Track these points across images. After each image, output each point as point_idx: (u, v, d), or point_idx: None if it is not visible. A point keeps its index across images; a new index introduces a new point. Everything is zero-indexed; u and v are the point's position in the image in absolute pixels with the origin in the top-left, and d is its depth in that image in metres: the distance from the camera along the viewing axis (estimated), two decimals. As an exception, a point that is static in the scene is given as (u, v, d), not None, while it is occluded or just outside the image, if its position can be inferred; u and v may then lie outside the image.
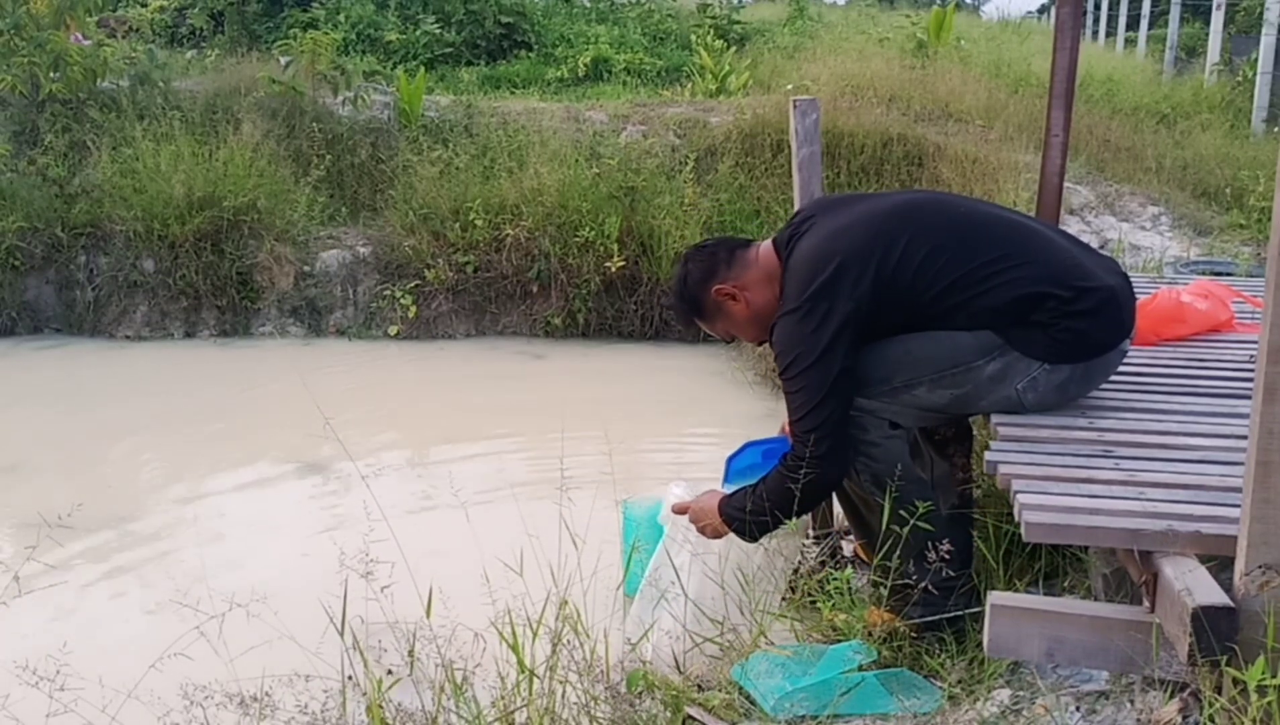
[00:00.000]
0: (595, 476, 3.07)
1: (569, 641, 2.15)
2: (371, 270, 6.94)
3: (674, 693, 2.21)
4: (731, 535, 2.59)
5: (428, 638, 2.12)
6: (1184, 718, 1.81)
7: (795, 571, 2.75)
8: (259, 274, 6.79)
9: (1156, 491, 1.98)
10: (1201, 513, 1.86)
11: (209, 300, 6.77)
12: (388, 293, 6.81)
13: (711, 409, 5.47)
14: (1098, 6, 16.79)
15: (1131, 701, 1.98)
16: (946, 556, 2.20)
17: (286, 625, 2.28)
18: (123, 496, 4.22)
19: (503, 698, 2.10)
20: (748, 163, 7.36)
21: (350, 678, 2.07)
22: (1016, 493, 1.99)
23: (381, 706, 1.99)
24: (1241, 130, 8.81)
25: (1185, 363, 2.91)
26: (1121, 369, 2.59)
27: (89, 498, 3.75)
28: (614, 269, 6.61)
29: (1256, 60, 9.64)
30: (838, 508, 2.97)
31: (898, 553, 2.26)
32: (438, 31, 10.85)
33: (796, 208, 3.03)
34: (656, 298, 6.68)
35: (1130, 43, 15.33)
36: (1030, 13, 22.34)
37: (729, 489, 2.65)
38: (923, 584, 2.25)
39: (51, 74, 7.17)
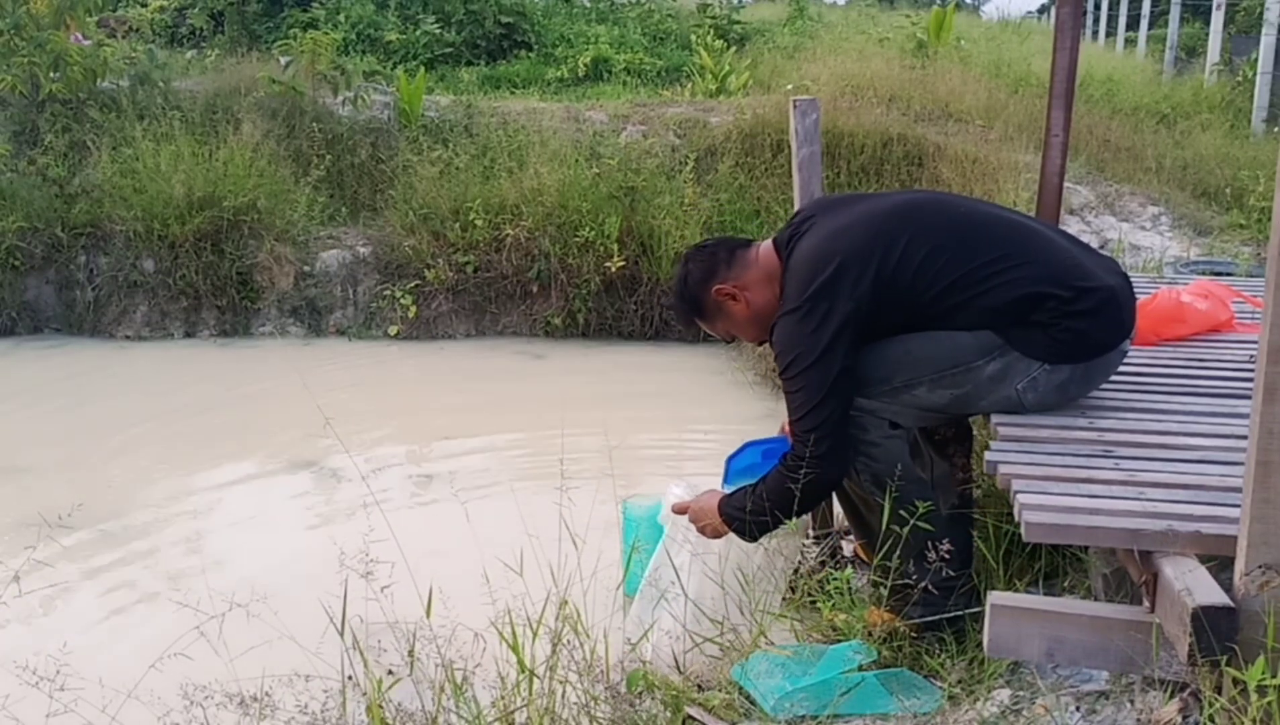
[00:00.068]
0: (595, 476, 3.07)
1: (569, 641, 2.15)
2: (371, 270, 6.95)
3: (674, 693, 2.21)
4: (731, 535, 2.58)
5: (428, 638, 2.11)
6: (1184, 718, 1.81)
7: (795, 571, 2.75)
8: (259, 274, 6.79)
9: (1156, 491, 1.98)
10: (1201, 513, 1.86)
11: (209, 300, 6.78)
12: (388, 293, 6.81)
13: (711, 409, 5.47)
14: (1098, 6, 16.79)
15: (1131, 701, 1.98)
16: (946, 556, 2.20)
17: (286, 625, 2.28)
18: (123, 496, 4.22)
19: (503, 698, 2.10)
20: (748, 163, 7.36)
21: (350, 678, 2.07)
22: (1016, 493, 1.99)
23: (381, 706, 1.99)
24: (1241, 130, 8.81)
25: (1185, 363, 2.90)
26: (1121, 369, 2.59)
27: (89, 498, 3.75)
28: (614, 269, 6.61)
29: (1256, 60, 9.64)
30: (838, 508, 2.97)
31: (898, 553, 2.26)
32: (438, 31, 10.85)
33: (796, 208, 3.03)
34: (656, 298, 6.68)
35: (1130, 43, 15.33)
36: (1030, 13, 22.34)
37: (729, 489, 2.65)
38: (923, 584, 2.25)
39: (51, 74, 7.17)
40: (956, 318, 2.35)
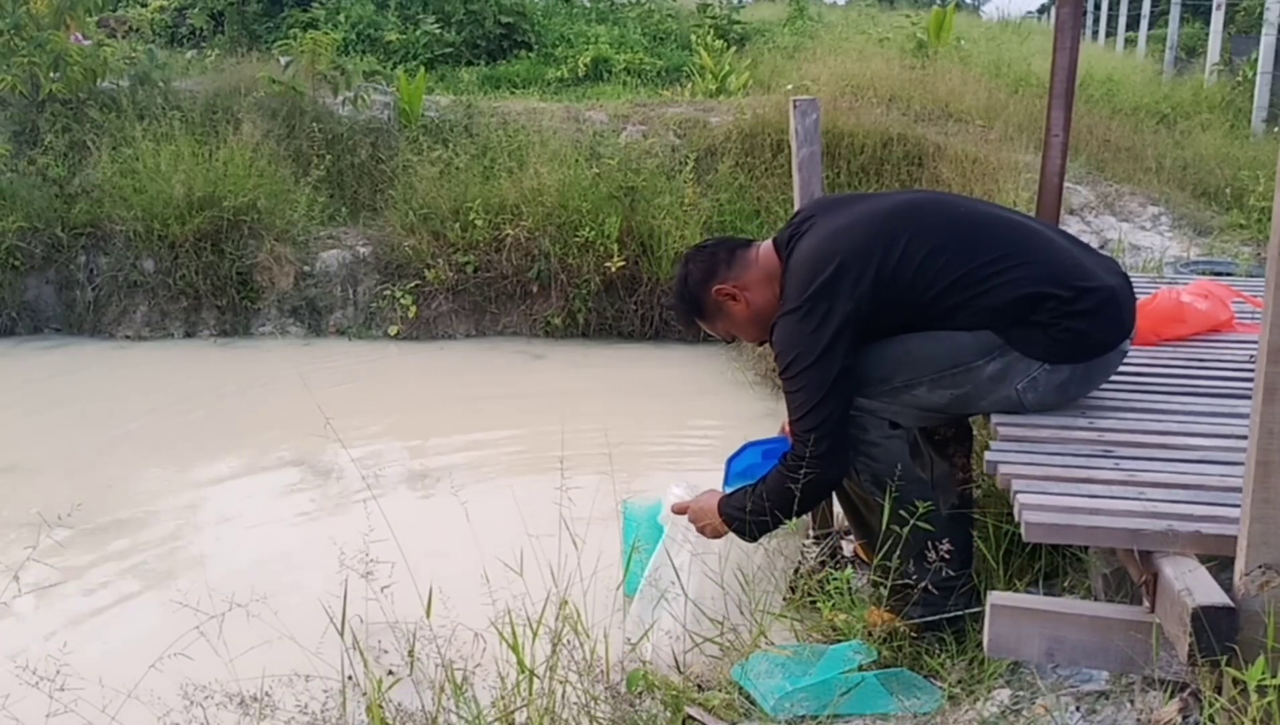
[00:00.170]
0: (595, 476, 3.07)
1: (569, 641, 2.15)
2: (371, 270, 6.94)
3: (674, 693, 2.21)
4: (731, 535, 2.59)
5: (428, 638, 2.12)
6: (1184, 718, 1.81)
7: (795, 571, 2.75)
8: (259, 274, 6.79)
9: (1156, 491, 1.98)
10: (1201, 513, 1.86)
11: (209, 300, 6.77)
12: (388, 293, 6.81)
13: (711, 409, 5.47)
14: (1098, 6, 16.79)
15: (1131, 701, 1.98)
16: (946, 556, 2.20)
17: (286, 625, 2.28)
18: (123, 496, 4.22)
19: (503, 698, 2.10)
20: (748, 163, 7.36)
21: (350, 678, 2.07)
22: (1016, 493, 1.99)
23: (381, 706, 1.99)
24: (1241, 130, 8.81)
25: (1185, 363, 2.91)
26: (1121, 369, 2.59)
27: (89, 498, 3.76)
28: (614, 269, 6.61)
29: (1256, 60, 9.64)
30: (838, 508, 2.97)
31: (898, 553, 2.26)
32: (438, 31, 10.85)
33: (796, 208, 3.03)
34: (656, 298, 6.68)
35: (1130, 43, 15.33)
36: (1030, 13, 22.34)
37: (729, 491, 2.65)
38: (923, 584, 2.25)
39: (51, 74, 7.17)
40: (956, 318, 2.35)
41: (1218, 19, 10.91)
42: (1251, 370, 1.76)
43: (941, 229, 2.41)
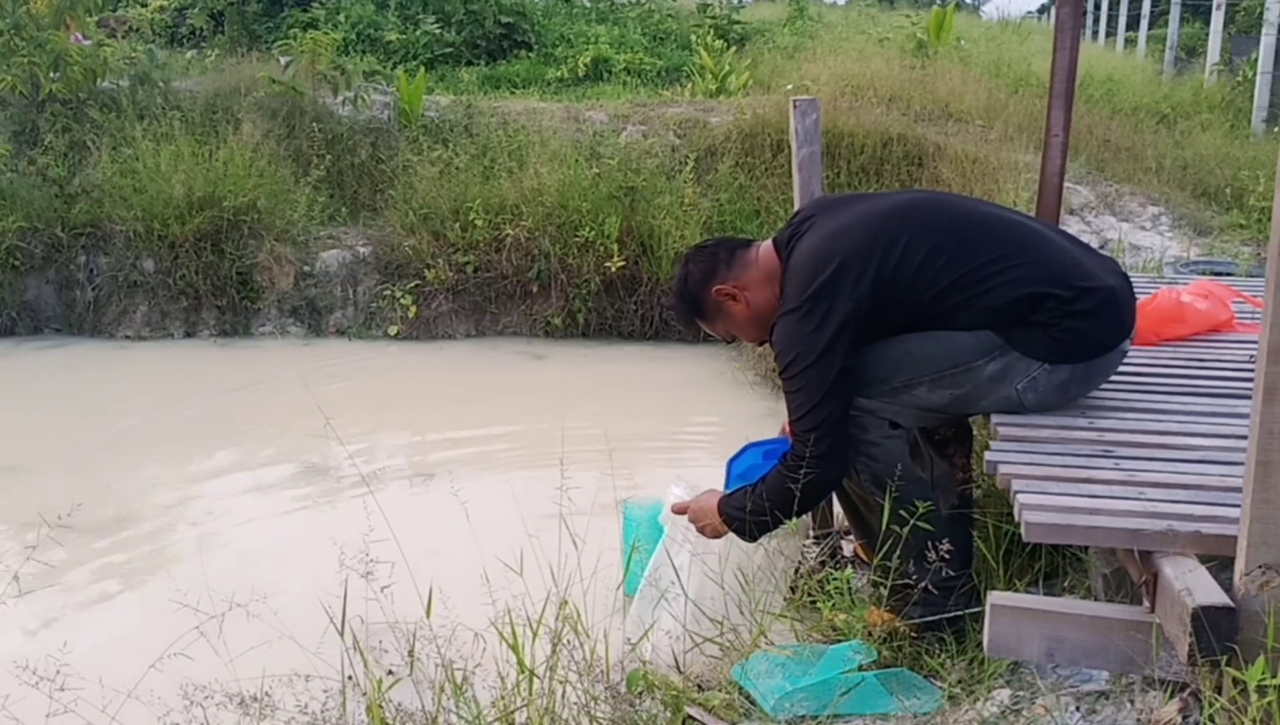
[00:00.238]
0: (595, 476, 3.07)
1: (569, 641, 2.15)
2: (371, 270, 6.95)
3: (674, 693, 2.21)
4: (731, 535, 2.58)
5: (428, 638, 2.12)
6: (1184, 718, 1.81)
7: (796, 571, 2.75)
8: (259, 274, 6.79)
9: (1156, 491, 1.98)
10: (1201, 513, 1.86)
11: (209, 300, 6.77)
12: (388, 293, 6.81)
13: (711, 409, 5.47)
14: (1098, 6, 16.79)
15: (1131, 701, 1.98)
16: (946, 556, 2.20)
17: (286, 625, 2.28)
18: (123, 496, 4.22)
19: (503, 698, 2.10)
20: (748, 163, 7.36)
21: (350, 678, 2.07)
22: (1016, 493, 1.99)
23: (381, 706, 1.99)
24: (1241, 130, 8.81)
25: (1185, 363, 2.90)
26: (1121, 369, 2.59)
27: (89, 498, 3.75)
28: (614, 269, 6.61)
29: (1256, 60, 9.64)
30: (838, 508, 2.97)
31: (898, 553, 2.26)
32: (438, 31, 10.85)
33: (796, 208, 3.03)
34: (656, 298, 6.68)
35: (1130, 43, 15.33)
36: (1030, 13, 22.34)
37: (729, 491, 2.65)
38: (923, 584, 2.25)
39: (51, 74, 7.17)
40: (956, 318, 2.35)
41: (1218, 19, 10.91)
42: (1251, 370, 1.76)
43: (941, 229, 2.41)
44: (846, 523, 2.97)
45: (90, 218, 6.75)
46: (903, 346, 2.39)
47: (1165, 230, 6.78)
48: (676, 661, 2.42)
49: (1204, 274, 5.07)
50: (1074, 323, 2.33)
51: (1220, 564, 1.78)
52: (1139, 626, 1.79)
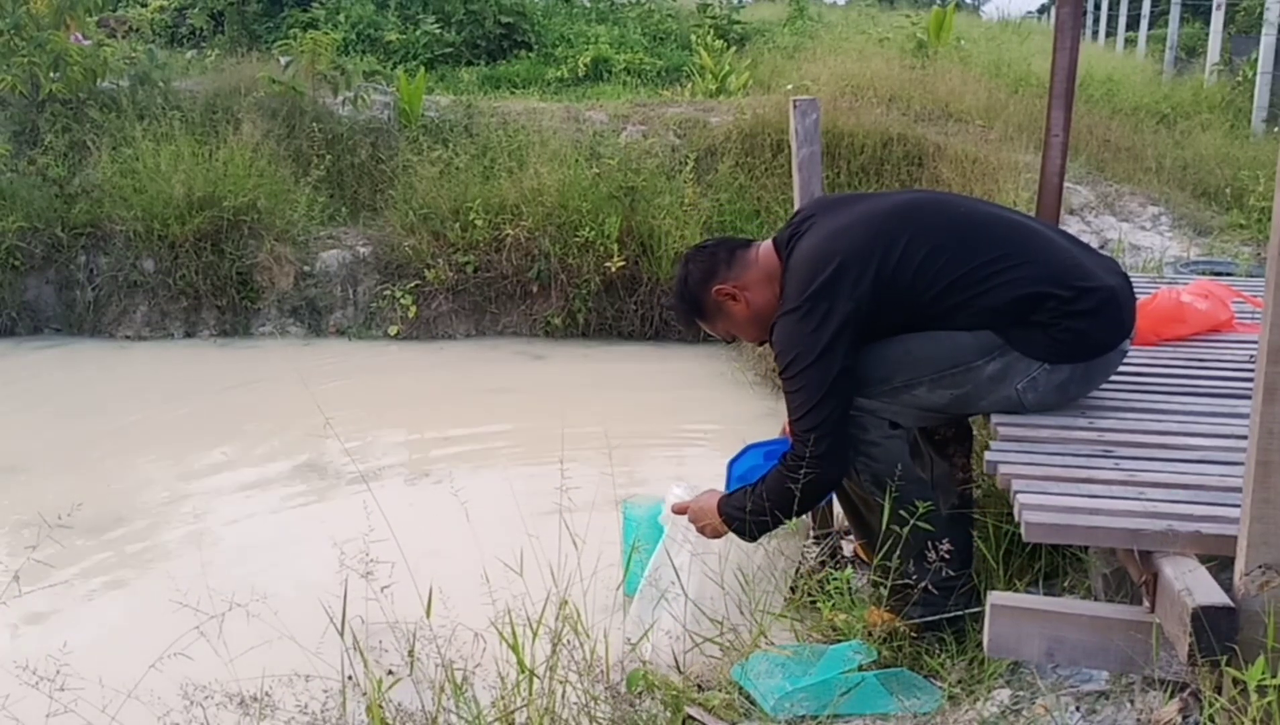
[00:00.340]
0: (595, 476, 3.07)
1: (569, 641, 2.15)
2: (371, 270, 6.95)
3: (674, 693, 2.21)
4: (731, 535, 2.58)
5: (428, 638, 2.11)
6: (1184, 718, 1.81)
7: (796, 572, 2.75)
8: (259, 274, 6.79)
9: (1156, 491, 1.98)
10: (1201, 513, 1.86)
11: (209, 300, 6.78)
12: (388, 293, 6.81)
13: (711, 409, 5.47)
14: (1098, 6, 16.79)
15: (1131, 701, 1.98)
16: (946, 556, 2.20)
17: (286, 625, 2.27)
18: (122, 496, 4.22)
19: (503, 698, 2.09)
20: (748, 163, 7.36)
21: (350, 678, 2.07)
22: (1016, 493, 1.99)
23: (381, 706, 1.99)
24: (1241, 130, 8.81)
25: (1185, 363, 2.90)
26: (1121, 369, 2.59)
27: (89, 498, 3.75)
28: (614, 269, 6.61)
29: (1256, 60, 9.64)
30: (838, 508, 2.97)
31: (898, 553, 2.26)
32: (438, 31, 10.85)
33: (796, 208, 3.03)
34: (656, 298, 6.68)
35: (1130, 43, 15.33)
36: (1030, 13, 22.34)
37: (729, 491, 2.65)
38: (923, 584, 2.25)
39: (51, 74, 7.17)
40: (956, 318, 2.35)
41: (1218, 19, 10.91)
42: (1251, 370, 1.76)
43: (941, 229, 2.41)
44: (846, 523, 2.97)
45: (90, 218, 6.75)
46: (903, 346, 2.39)
47: (1165, 230, 6.78)
48: (676, 661, 2.42)
49: (1204, 274, 5.07)
50: (1074, 323, 2.33)
51: (1220, 564, 1.78)
52: (1139, 626, 1.79)
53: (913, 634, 2.40)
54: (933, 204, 2.61)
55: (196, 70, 8.68)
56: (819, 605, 2.46)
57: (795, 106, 3.25)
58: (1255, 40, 10.32)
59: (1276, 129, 8.99)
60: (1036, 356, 2.35)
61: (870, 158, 7.34)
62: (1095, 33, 16.48)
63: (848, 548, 3.03)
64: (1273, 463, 1.58)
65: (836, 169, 7.19)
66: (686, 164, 7.22)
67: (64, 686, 1.89)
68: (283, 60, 7.89)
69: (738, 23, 11.89)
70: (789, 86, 8.42)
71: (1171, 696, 1.88)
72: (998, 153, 7.29)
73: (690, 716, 2.16)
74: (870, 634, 2.31)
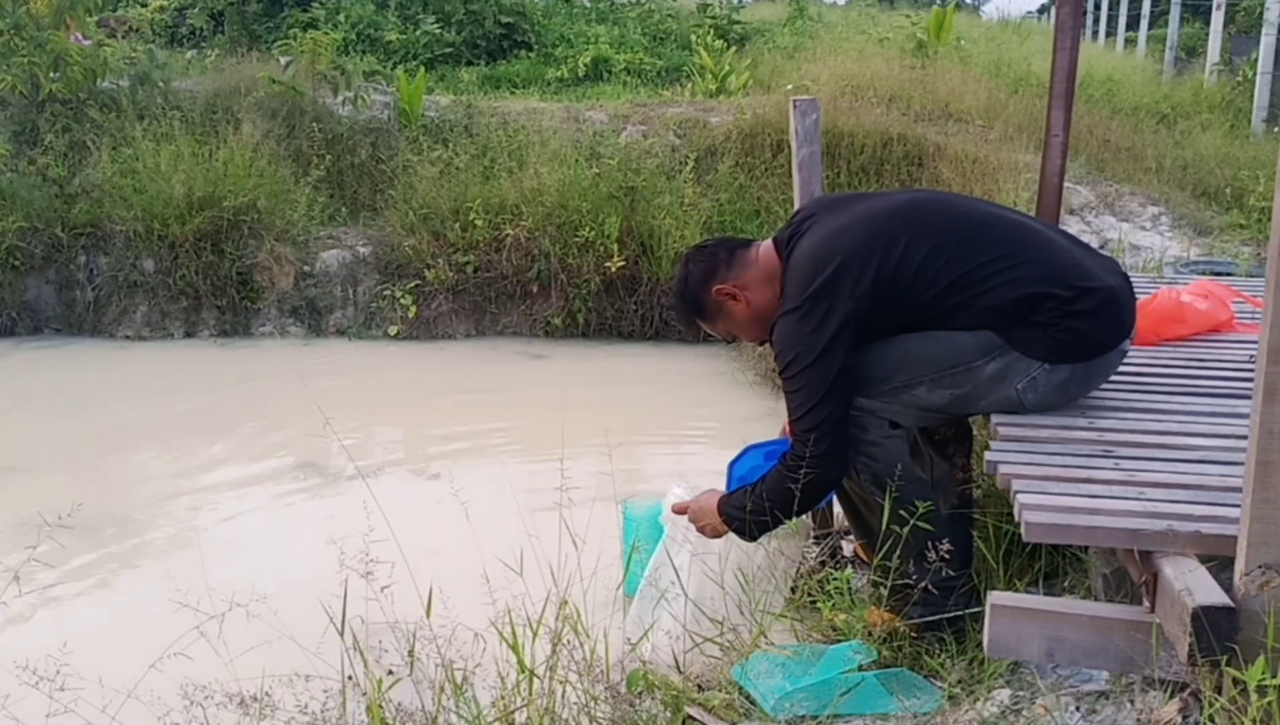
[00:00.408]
0: (595, 476, 3.07)
1: (569, 641, 2.15)
2: (371, 270, 6.95)
3: (674, 693, 2.21)
4: (731, 535, 2.58)
5: (428, 638, 2.11)
6: (1184, 718, 1.81)
7: (797, 572, 2.75)
8: (259, 274, 6.79)
9: (1156, 491, 1.98)
10: (1201, 513, 1.86)
11: (209, 300, 6.77)
12: (388, 293, 6.81)
13: (711, 409, 5.47)
14: (1098, 6, 16.79)
15: (1131, 701, 1.98)
16: (946, 556, 2.20)
17: (286, 625, 2.27)
18: (123, 496, 4.22)
19: (503, 698, 2.10)
20: (748, 163, 7.36)
21: (350, 678, 2.07)
22: (1016, 493, 1.99)
23: (381, 706, 1.99)
24: (1241, 130, 8.80)
25: (1185, 363, 2.91)
26: (1121, 369, 2.59)
27: (89, 498, 3.75)
28: (614, 269, 6.61)
29: (1256, 60, 9.64)
30: (838, 508, 2.97)
31: (898, 553, 2.26)
32: (438, 31, 10.85)
33: (796, 207, 3.03)
34: (656, 298, 6.68)
35: (1130, 43, 15.33)
36: (1030, 13, 22.34)
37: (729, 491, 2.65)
38: (923, 584, 2.25)
39: (51, 74, 7.17)
40: (956, 317, 2.35)
41: (1218, 19, 10.91)
42: (1251, 370, 1.76)
43: (942, 229, 2.41)
44: (846, 523, 2.97)
45: (90, 218, 6.75)
46: (903, 346, 2.39)
47: (1165, 230, 6.78)
48: (676, 661, 2.42)
49: (1204, 274, 5.07)
50: (1074, 323, 2.33)
51: (1220, 564, 1.78)
52: (1139, 626, 1.79)
53: (913, 634, 2.40)
54: (933, 204, 2.61)
55: (196, 70, 8.68)
56: (819, 605, 2.46)
57: (795, 106, 3.25)
58: (1255, 40, 10.32)
59: (1276, 129, 8.99)
60: (1036, 356, 2.35)
61: (870, 158, 7.34)
62: (1095, 33, 16.48)
63: (848, 548, 3.03)
64: (1273, 463, 1.58)
65: (836, 169, 7.19)
66: (686, 164, 7.22)
67: (64, 686, 1.89)
68: (283, 60, 7.89)
69: (738, 23, 11.89)
70: (789, 86, 8.42)
71: (1171, 696, 1.88)
72: (998, 153, 7.29)
73: (690, 716, 2.16)
74: (870, 634, 2.32)
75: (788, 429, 2.48)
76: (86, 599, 3.36)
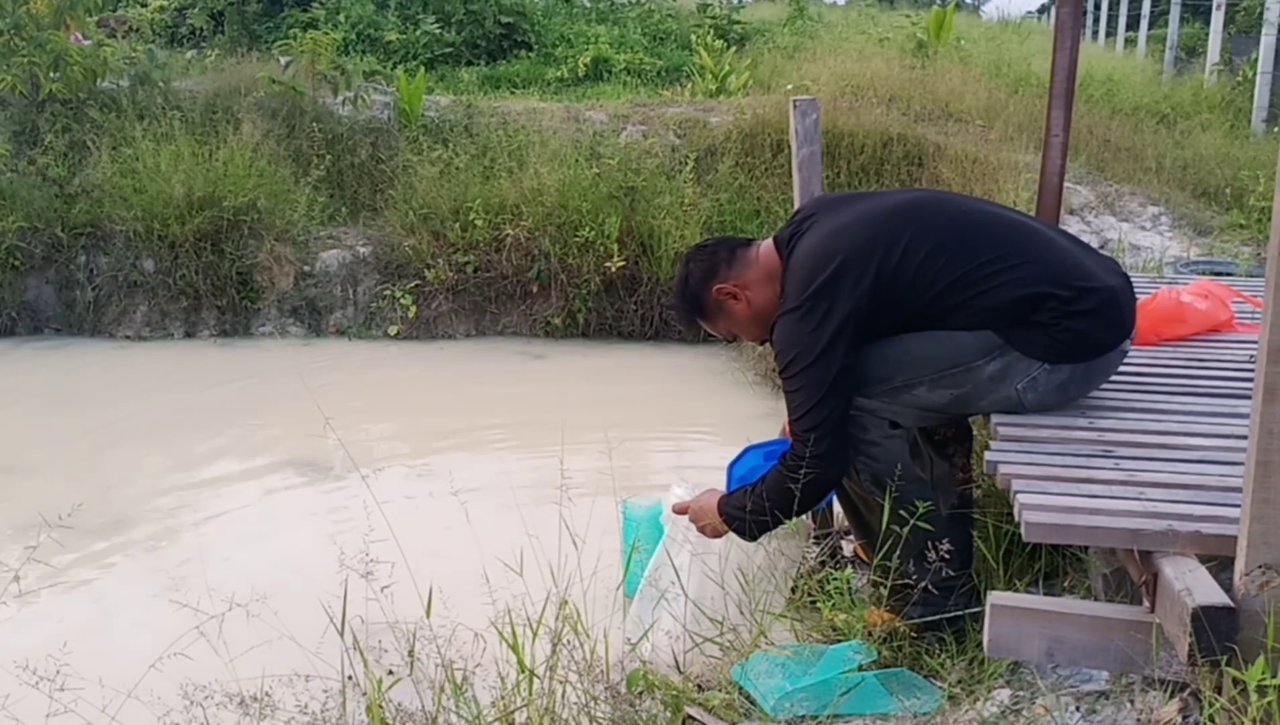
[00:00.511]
0: (595, 476, 3.07)
1: (569, 641, 2.15)
2: (371, 270, 6.95)
3: (674, 693, 2.21)
4: (731, 535, 2.58)
5: (428, 638, 2.12)
6: (1184, 718, 1.81)
7: (797, 572, 2.75)
8: (259, 274, 6.79)
9: (1156, 491, 1.98)
10: (1201, 513, 1.86)
11: (209, 300, 6.77)
12: (388, 293, 6.81)
13: (711, 409, 5.47)
14: (1098, 6, 16.79)
15: (1131, 701, 1.98)
16: (946, 556, 2.20)
17: (286, 625, 2.27)
18: (123, 496, 4.22)
19: (503, 698, 2.10)
20: (748, 163, 7.36)
21: (350, 678, 2.07)
22: (1016, 493, 1.99)
23: (381, 706, 1.99)
24: (1241, 130, 8.81)
25: (1185, 363, 2.91)
26: (1121, 369, 2.59)
27: (89, 498, 3.75)
28: (614, 269, 6.61)
29: (1256, 60, 9.64)
30: (838, 508, 2.97)
31: (898, 553, 2.26)
32: (438, 31, 10.85)
33: (796, 207, 3.03)
34: (656, 298, 6.68)
35: (1130, 43, 15.33)
36: (1030, 13, 22.35)
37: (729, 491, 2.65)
38: (923, 584, 2.25)
39: (51, 74, 7.17)
40: (957, 317, 2.35)
41: (1218, 19, 10.91)
42: (1251, 370, 1.76)
43: (942, 228, 2.41)
44: (846, 523, 2.97)
45: (90, 218, 6.74)
46: (903, 346, 2.39)
47: (1165, 230, 6.78)
48: (676, 661, 2.42)
49: (1204, 274, 5.07)
50: (1074, 323, 2.33)
51: (1220, 564, 1.78)
52: (1139, 626, 1.79)
53: (913, 634, 2.40)
54: (933, 203, 2.61)
55: (196, 70, 8.68)
56: (819, 605, 2.46)
57: (795, 106, 3.25)
58: (1255, 40, 10.32)
59: (1276, 129, 8.99)
60: (1036, 356, 2.35)
61: (870, 158, 7.33)
62: (1095, 33, 16.48)
63: (848, 548, 3.03)
64: (1273, 463, 1.58)
65: (836, 169, 7.19)
66: (686, 164, 7.22)
67: (64, 686, 1.89)
68: (283, 60, 7.89)
69: (738, 23, 11.90)
70: (789, 86, 8.42)
71: (1171, 696, 1.88)
72: (998, 153, 7.29)
73: (690, 716, 2.16)
74: (870, 634, 2.32)
75: (788, 429, 2.48)
76: (86, 599, 3.36)
